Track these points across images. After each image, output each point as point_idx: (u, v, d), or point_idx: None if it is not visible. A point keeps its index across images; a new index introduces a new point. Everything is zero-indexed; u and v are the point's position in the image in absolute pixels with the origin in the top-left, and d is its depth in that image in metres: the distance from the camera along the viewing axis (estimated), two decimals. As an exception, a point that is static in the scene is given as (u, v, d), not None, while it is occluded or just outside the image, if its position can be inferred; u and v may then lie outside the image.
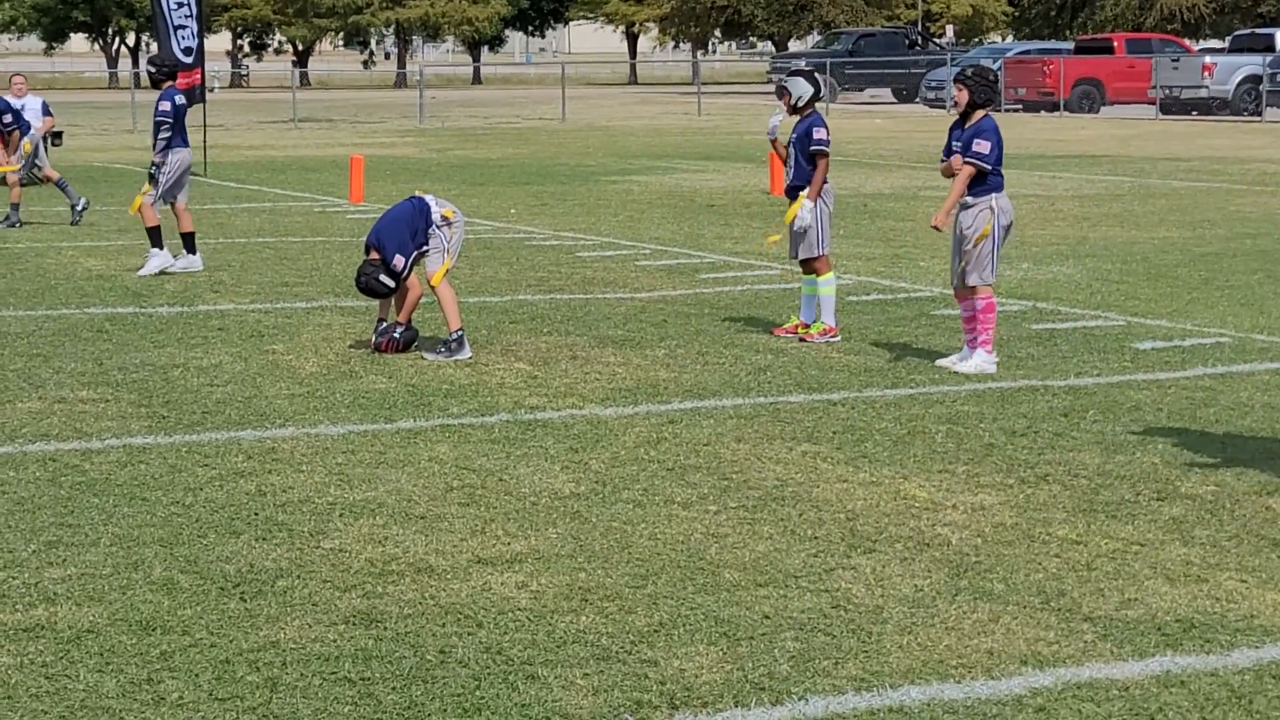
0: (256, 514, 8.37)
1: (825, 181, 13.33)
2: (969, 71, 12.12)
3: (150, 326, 13.92)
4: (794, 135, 13.42)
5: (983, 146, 11.86)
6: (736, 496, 8.75)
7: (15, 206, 21.69)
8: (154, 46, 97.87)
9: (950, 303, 15.03)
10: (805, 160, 13.27)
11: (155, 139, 17.01)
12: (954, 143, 12.12)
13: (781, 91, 13.64)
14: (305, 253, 18.95)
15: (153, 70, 17.34)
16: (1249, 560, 7.65)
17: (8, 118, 22.13)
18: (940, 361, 12.34)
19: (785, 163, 13.61)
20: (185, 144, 17.27)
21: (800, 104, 13.42)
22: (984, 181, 11.96)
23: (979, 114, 12.05)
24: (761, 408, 10.87)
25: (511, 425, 10.36)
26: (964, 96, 12.05)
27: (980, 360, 11.97)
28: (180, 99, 17.33)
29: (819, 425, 10.37)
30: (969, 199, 12.04)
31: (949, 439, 10.01)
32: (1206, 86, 52.33)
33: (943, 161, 12.33)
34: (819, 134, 13.18)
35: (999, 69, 57.63)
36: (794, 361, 12.44)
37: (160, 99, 17.01)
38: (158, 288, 16.09)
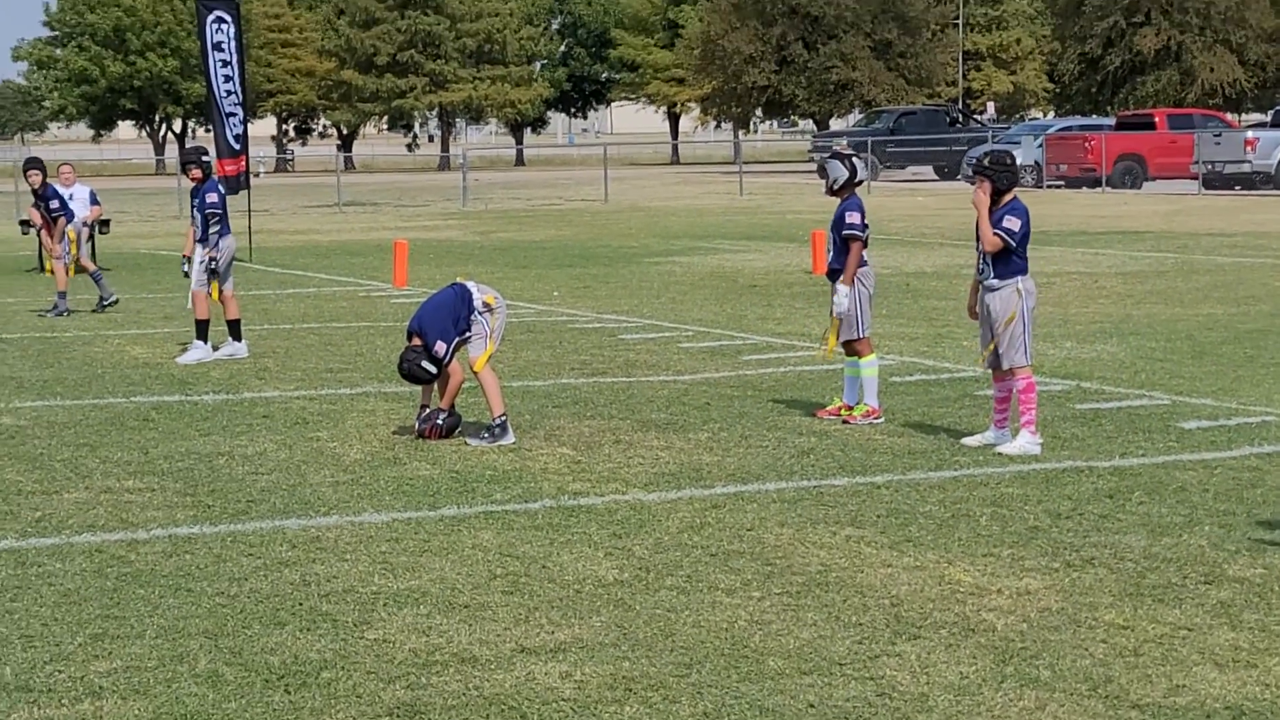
0: (301, 604, 8.38)
1: (865, 264, 13.36)
2: (986, 161, 12.22)
3: (196, 414, 13.99)
4: (834, 218, 13.46)
5: (1012, 223, 11.97)
6: (780, 582, 8.73)
7: (62, 295, 21.86)
8: (199, 133, 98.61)
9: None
10: (842, 244, 13.31)
11: (205, 232, 17.12)
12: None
13: (822, 172, 13.70)
14: (349, 338, 19.04)
15: (208, 161, 17.48)
16: (1298, 644, 7.59)
17: (55, 204, 22.44)
18: (965, 440, 12.34)
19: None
20: (230, 230, 17.44)
21: (837, 186, 13.46)
22: (1009, 263, 12.04)
23: (1007, 197, 12.13)
24: (805, 491, 10.86)
25: (555, 511, 10.37)
26: (987, 186, 12.15)
27: (1024, 441, 11.95)
28: (223, 189, 17.55)
29: (863, 509, 10.35)
30: (995, 281, 12.11)
31: (994, 522, 9.98)
32: (1249, 161, 52.22)
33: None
34: (851, 218, 13.22)
35: (1040, 146, 57.70)
36: (837, 444, 12.43)
37: (206, 191, 17.15)
38: (203, 375, 16.18)
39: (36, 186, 22.59)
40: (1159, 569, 8.88)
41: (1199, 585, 8.57)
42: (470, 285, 12.93)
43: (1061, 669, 7.29)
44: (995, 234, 11.99)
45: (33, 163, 22.87)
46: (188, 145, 26.65)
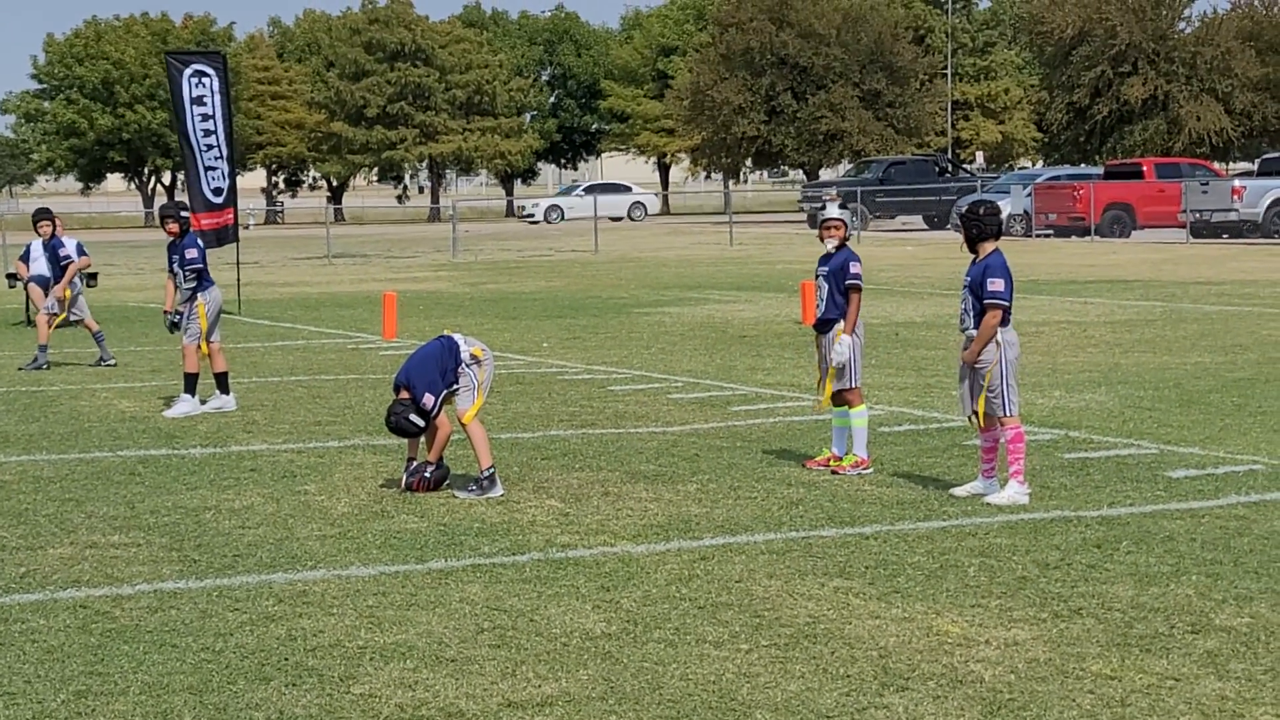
0: (287, 659, 8.35)
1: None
2: (963, 209, 12.32)
3: (183, 468, 13.96)
4: (827, 269, 13.45)
5: (997, 284, 12.00)
6: (768, 634, 8.71)
7: (43, 348, 21.85)
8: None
9: (982, 433, 15.03)
10: (840, 294, 13.31)
11: (183, 287, 17.17)
12: (966, 276, 12.25)
13: (834, 225, 13.48)
14: (338, 391, 19.02)
15: (186, 216, 17.53)
16: (1286, 695, 7.57)
17: (64, 251, 22.67)
18: (954, 490, 12.35)
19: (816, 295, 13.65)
20: (214, 283, 17.46)
21: (846, 238, 13.50)
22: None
23: (987, 247, 12.20)
24: (793, 543, 10.84)
25: (543, 564, 10.35)
26: (963, 234, 12.32)
27: (1013, 491, 11.95)
28: (201, 242, 17.59)
29: (851, 560, 10.33)
30: (973, 332, 12.14)
31: (982, 572, 9.96)
32: (1237, 210, 52.42)
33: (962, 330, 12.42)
34: (855, 268, 13.27)
35: (1028, 195, 57.87)
36: (826, 495, 12.42)
37: (185, 246, 17.17)
38: (190, 429, 16.16)
39: (47, 237, 22.83)
40: (1146, 619, 8.87)
41: (1186, 635, 8.55)
42: (457, 337, 12.93)
43: (1049, 720, 7.28)
44: (989, 304, 12.00)
45: (43, 213, 23.14)
46: (174, 198, 26.73)
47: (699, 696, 7.68)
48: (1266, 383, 18.31)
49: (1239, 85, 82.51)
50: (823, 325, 13.51)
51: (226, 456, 14.55)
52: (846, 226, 13.52)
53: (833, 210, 13.61)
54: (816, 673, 8.02)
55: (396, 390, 12.79)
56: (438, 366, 12.67)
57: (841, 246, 13.48)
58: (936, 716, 7.34)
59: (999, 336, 12.08)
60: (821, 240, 13.61)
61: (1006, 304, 12.04)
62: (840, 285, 13.32)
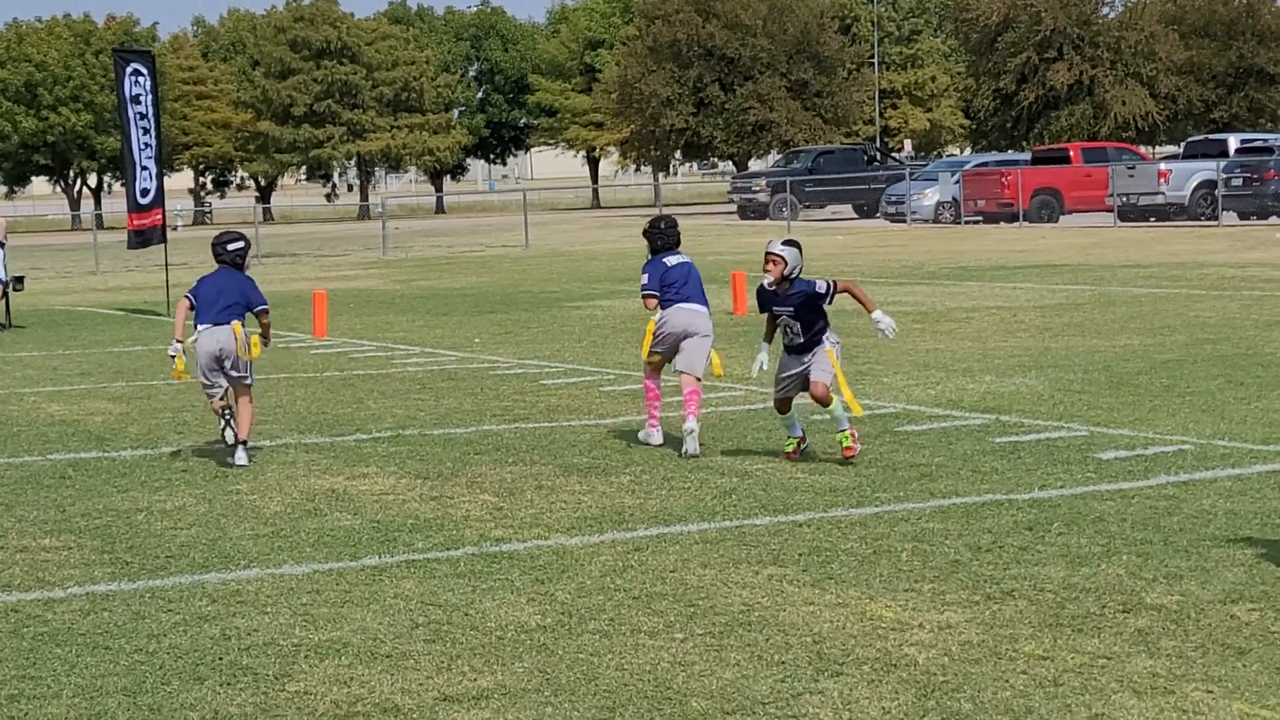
0: (221, 659, 8.32)
1: (828, 326, 13.40)
2: (647, 225, 14.26)
3: (114, 471, 13.88)
4: (791, 309, 13.25)
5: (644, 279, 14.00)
6: (703, 623, 8.72)
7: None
8: (115, 187, 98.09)
9: (914, 418, 15.12)
10: (821, 320, 13.23)
11: None
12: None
13: (773, 259, 13.39)
14: (269, 390, 18.92)
15: None
16: (1215, 670, 7.64)
17: None
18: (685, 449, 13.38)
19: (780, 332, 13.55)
20: None
21: (794, 273, 13.35)
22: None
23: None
24: (727, 531, 10.87)
25: (477, 558, 10.34)
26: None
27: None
28: None
29: (785, 547, 10.37)
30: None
31: (915, 557, 10.01)
32: (1163, 193, 52.78)
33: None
34: (821, 287, 13.23)
35: (957, 182, 58.15)
36: (759, 483, 12.45)
37: None
38: (121, 431, 16.06)
39: None
40: (1078, 599, 8.93)
41: (1117, 614, 8.62)
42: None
43: (983, 701, 7.32)
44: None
45: None
46: (102, 200, 26.47)
47: (634, 686, 7.69)
48: (1194, 364, 18.46)
49: (1163, 69, 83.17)
50: (800, 348, 13.41)
51: (158, 458, 14.47)
52: (787, 263, 13.38)
53: (775, 245, 13.50)
54: (751, 660, 8.05)
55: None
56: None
57: (784, 282, 13.33)
58: (871, 700, 7.38)
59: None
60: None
61: (648, 291, 14.03)
62: (818, 310, 13.25)
